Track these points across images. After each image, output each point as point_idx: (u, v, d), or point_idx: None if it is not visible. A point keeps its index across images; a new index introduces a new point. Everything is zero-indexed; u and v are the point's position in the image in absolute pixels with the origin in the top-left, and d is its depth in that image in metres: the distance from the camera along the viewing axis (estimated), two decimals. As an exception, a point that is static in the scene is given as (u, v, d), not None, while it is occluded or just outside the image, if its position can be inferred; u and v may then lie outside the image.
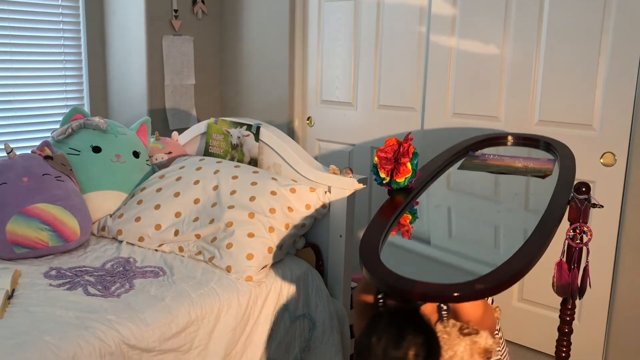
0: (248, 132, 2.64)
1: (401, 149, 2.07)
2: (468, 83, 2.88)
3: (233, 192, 2.36)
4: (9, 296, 1.84)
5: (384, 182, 2.08)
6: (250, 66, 3.74)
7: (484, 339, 1.49)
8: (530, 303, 2.81)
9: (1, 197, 2.21)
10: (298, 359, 2.23)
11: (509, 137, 2.43)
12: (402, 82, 3.17)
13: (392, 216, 1.87)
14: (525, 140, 2.42)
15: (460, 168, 2.25)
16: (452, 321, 1.52)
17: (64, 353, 1.59)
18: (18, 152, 2.45)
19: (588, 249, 1.85)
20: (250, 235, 2.19)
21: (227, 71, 3.88)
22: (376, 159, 2.11)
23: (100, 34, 3.56)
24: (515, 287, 2.84)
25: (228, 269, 2.14)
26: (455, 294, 1.36)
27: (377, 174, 2.10)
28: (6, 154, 2.39)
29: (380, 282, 1.46)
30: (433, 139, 3.05)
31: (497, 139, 2.44)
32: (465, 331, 1.49)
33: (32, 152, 2.47)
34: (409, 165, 2.06)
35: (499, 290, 1.41)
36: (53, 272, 2.08)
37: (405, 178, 2.06)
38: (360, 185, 2.32)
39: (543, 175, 2.07)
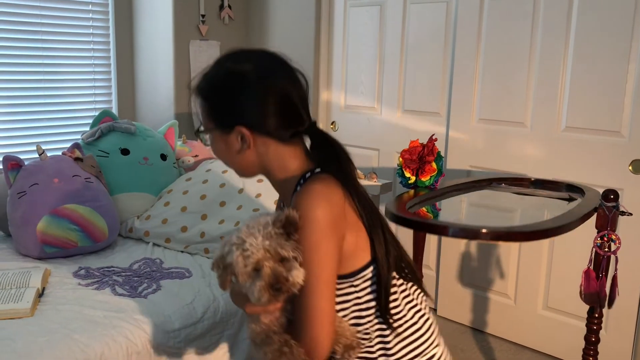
0: (273, 136, 2.66)
1: (425, 149, 2.08)
2: (494, 88, 2.86)
3: (258, 195, 2.38)
4: (40, 294, 1.88)
5: (410, 182, 2.08)
6: (275, 71, 3.77)
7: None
8: (555, 311, 2.77)
9: (32, 198, 2.26)
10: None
11: (531, 178, 2.39)
12: (427, 87, 3.16)
13: (414, 200, 1.90)
14: (550, 184, 2.36)
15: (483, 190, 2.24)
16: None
17: (92, 351, 1.62)
18: (49, 154, 2.50)
19: (617, 258, 1.82)
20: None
21: (253, 75, 3.92)
22: (401, 159, 2.12)
23: (129, 38, 3.62)
24: (540, 295, 2.81)
25: None
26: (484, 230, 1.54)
27: (403, 174, 2.10)
28: (38, 156, 2.44)
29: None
30: (458, 144, 3.03)
31: (519, 180, 2.40)
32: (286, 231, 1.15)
33: (63, 153, 2.52)
34: (434, 164, 2.06)
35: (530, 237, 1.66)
36: (82, 272, 2.12)
37: (431, 177, 2.06)
38: (376, 182, 2.32)
39: (569, 199, 2.05)
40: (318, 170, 1.27)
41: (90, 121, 3.32)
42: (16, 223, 2.27)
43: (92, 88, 3.48)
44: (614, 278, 1.84)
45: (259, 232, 1.14)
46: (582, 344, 1.95)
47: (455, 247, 3.10)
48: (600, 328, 1.93)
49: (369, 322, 1.26)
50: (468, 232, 1.67)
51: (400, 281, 1.30)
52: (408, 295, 1.30)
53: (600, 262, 1.82)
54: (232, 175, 2.50)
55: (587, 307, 1.91)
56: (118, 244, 2.46)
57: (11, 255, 2.29)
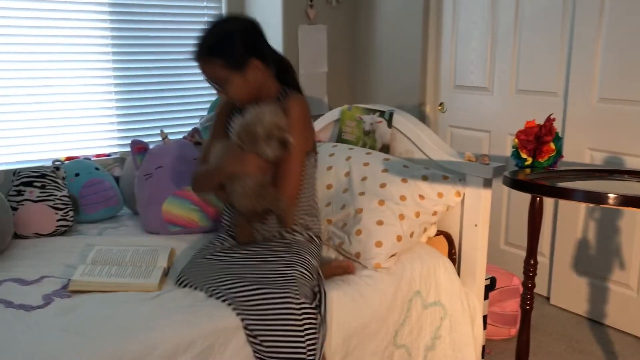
0: (381, 119, 2.66)
1: (543, 129, 1.99)
2: (618, 65, 2.67)
3: (364, 179, 2.38)
4: (166, 273, 2.02)
5: (526, 163, 2.01)
6: (382, 52, 3.75)
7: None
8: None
9: (158, 180, 2.44)
10: (429, 346, 2.23)
11: None
12: (543, 65, 3.01)
13: (530, 175, 1.85)
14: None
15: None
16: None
17: (210, 322, 1.73)
18: (170, 138, 2.67)
19: None
20: (380, 222, 2.20)
21: (359, 58, 3.92)
22: (516, 140, 2.04)
23: (241, 25, 3.75)
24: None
25: (357, 256, 2.18)
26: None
27: (518, 156, 2.03)
28: (161, 140, 2.61)
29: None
30: (576, 125, 2.87)
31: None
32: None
33: (184, 138, 2.68)
34: (552, 144, 1.97)
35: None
36: (202, 250, 2.25)
37: (550, 157, 1.98)
38: (489, 164, 2.25)
39: None
40: (290, 90, 2.00)
41: (207, 106, 3.50)
42: (143, 203, 2.46)
43: (208, 74, 3.66)
44: None
45: (270, 113, 1.81)
46: None
47: (571, 233, 2.96)
48: None
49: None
50: (594, 197, 1.58)
51: None
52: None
53: None
54: (338, 159, 2.52)
55: None
56: (234, 224, 2.58)
57: (139, 232, 2.50)
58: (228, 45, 1.83)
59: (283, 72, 1.99)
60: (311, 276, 1.86)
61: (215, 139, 2.02)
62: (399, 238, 2.18)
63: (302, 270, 1.83)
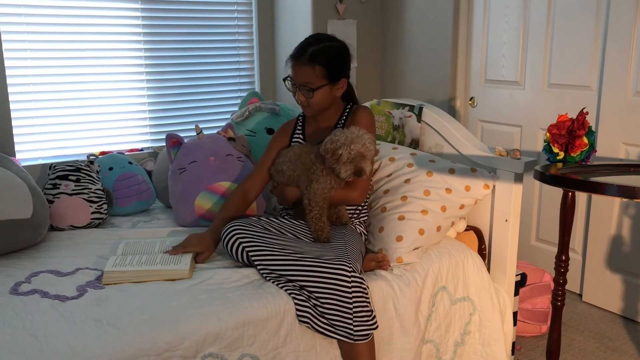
0: (410, 113, 2.64)
1: (575, 123, 1.96)
2: (655, 58, 2.61)
3: (389, 175, 2.37)
4: (195, 258, 2.05)
5: (558, 158, 1.98)
6: (411, 46, 3.73)
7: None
8: None
9: (192, 174, 2.47)
10: (458, 342, 2.22)
11: None
12: (577, 58, 2.95)
13: (561, 169, 1.81)
14: None
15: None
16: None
17: (239, 314, 1.75)
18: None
19: None
20: (401, 218, 2.19)
21: (388, 52, 3.91)
22: (548, 134, 2.02)
23: (270, 23, 3.77)
24: None
25: (379, 251, 2.18)
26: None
27: (550, 150, 2.00)
28: (196, 134, 2.63)
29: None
30: (610, 120, 2.81)
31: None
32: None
33: (218, 133, 2.70)
34: (584, 138, 1.94)
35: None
36: (232, 243, 2.28)
37: (582, 152, 1.95)
38: (520, 158, 2.22)
39: None
40: (354, 104, 2.25)
41: (235, 102, 3.52)
42: (176, 196, 2.50)
43: (237, 70, 3.69)
44: None
45: (360, 142, 1.95)
46: None
47: (604, 229, 2.90)
48: None
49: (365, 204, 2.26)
50: (627, 191, 1.57)
51: None
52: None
53: None
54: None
55: None
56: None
57: (170, 225, 2.53)
58: (331, 59, 2.05)
59: (348, 91, 2.21)
60: (362, 256, 2.03)
61: (272, 151, 2.27)
62: (421, 232, 2.17)
63: (354, 249, 1.97)
